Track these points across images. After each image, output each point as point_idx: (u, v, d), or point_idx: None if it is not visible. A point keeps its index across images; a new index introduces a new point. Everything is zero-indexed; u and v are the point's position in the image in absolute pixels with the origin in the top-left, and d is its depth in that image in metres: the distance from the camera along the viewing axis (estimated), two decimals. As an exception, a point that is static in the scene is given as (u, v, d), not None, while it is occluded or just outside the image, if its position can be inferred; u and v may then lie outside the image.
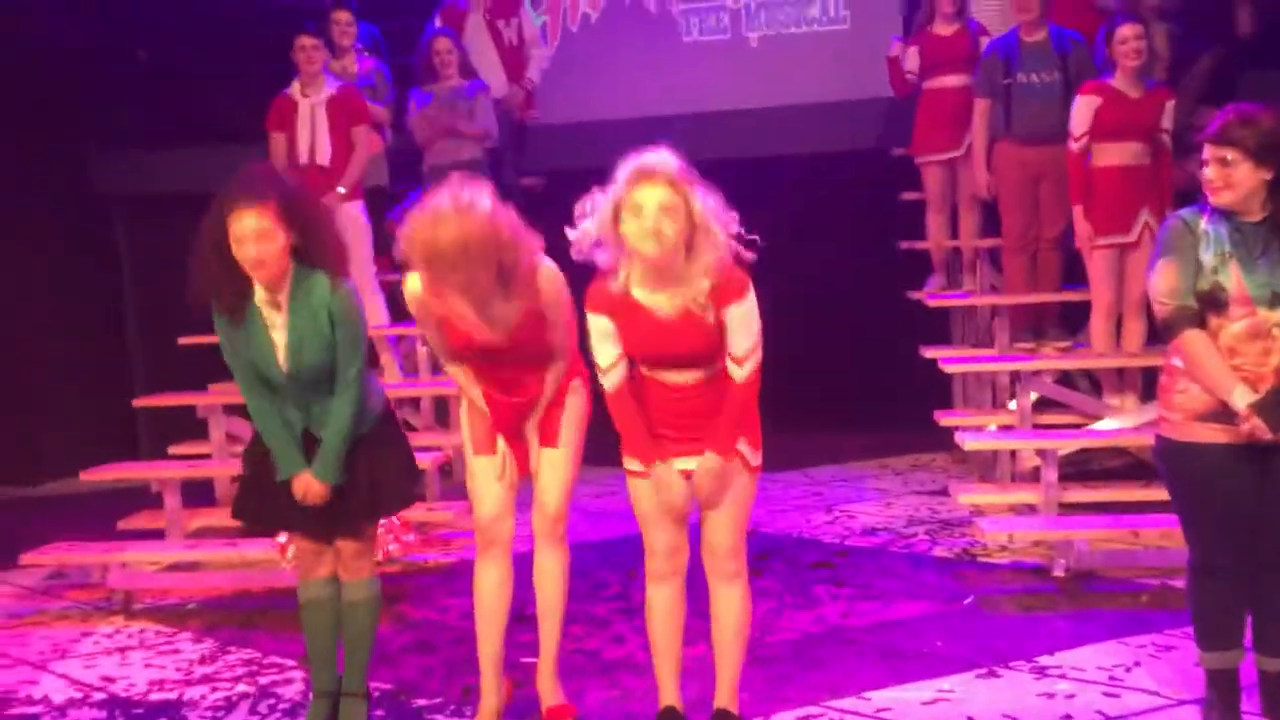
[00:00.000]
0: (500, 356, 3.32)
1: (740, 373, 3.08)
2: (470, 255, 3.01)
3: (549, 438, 3.46)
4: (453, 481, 5.97)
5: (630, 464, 3.21)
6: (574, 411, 3.47)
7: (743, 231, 3.05)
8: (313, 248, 3.28)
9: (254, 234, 3.16)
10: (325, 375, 3.33)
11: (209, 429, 5.99)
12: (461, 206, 3.01)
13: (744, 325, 3.05)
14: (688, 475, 3.17)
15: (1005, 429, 5.82)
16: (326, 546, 3.49)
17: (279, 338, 3.30)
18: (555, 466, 3.46)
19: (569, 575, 3.55)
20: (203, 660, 4.29)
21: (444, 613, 4.64)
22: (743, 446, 3.15)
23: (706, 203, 2.99)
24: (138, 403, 6.40)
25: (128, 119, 7.93)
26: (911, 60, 6.58)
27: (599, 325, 3.11)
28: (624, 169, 3.00)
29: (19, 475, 7.33)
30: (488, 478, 3.46)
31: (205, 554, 5.10)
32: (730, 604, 3.26)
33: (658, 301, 3.06)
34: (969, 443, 5.33)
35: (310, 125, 6.15)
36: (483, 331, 3.25)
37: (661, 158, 3.00)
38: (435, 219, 3.01)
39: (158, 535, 5.38)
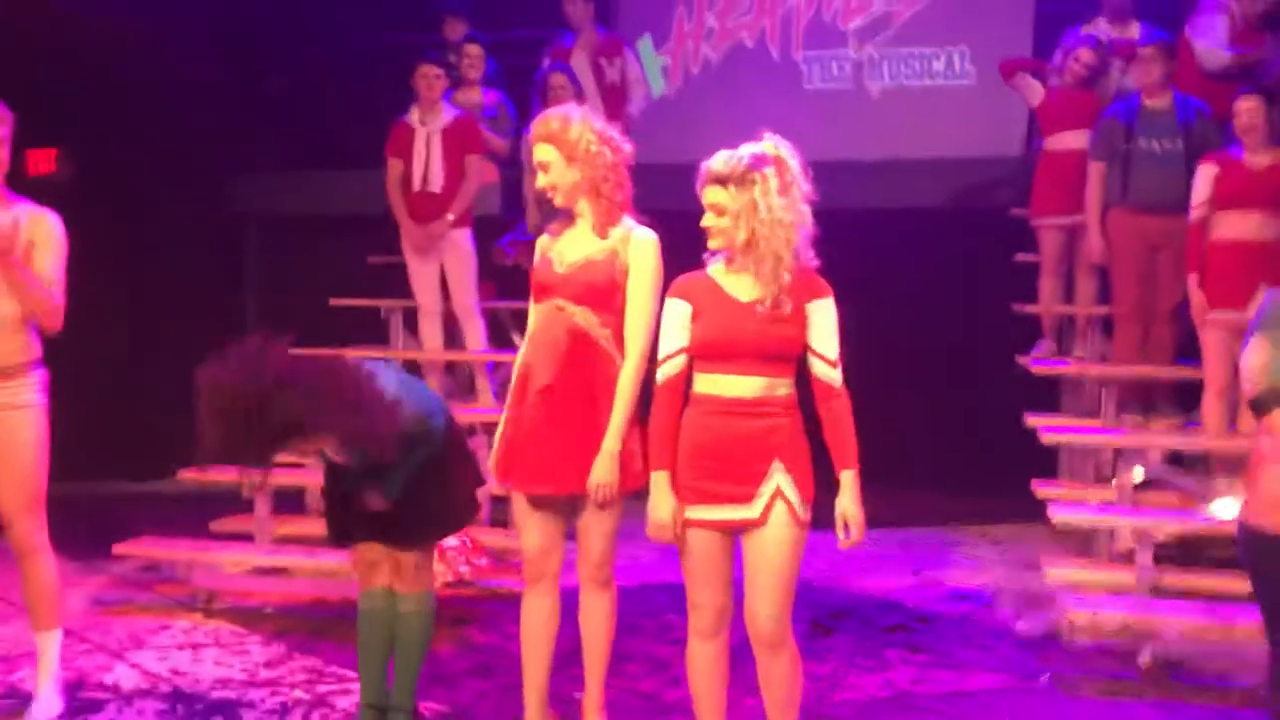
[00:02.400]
0: (555, 296, 3.36)
1: (836, 375, 3.05)
2: (556, 130, 3.33)
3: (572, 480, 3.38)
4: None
5: (683, 513, 3.11)
6: (604, 455, 3.35)
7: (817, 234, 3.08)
8: (360, 439, 3.22)
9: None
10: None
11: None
12: (585, 111, 3.45)
13: (829, 325, 3.06)
14: (727, 526, 3.08)
15: (1104, 505, 5.58)
16: (384, 557, 3.54)
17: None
18: (600, 509, 3.40)
19: (614, 616, 3.54)
20: (268, 664, 4.38)
21: (509, 640, 4.61)
22: (792, 496, 3.05)
23: (771, 202, 2.96)
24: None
25: (263, 144, 8.28)
26: (1034, 93, 6.43)
27: (674, 310, 3.11)
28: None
29: (133, 471, 7.63)
30: (531, 508, 3.44)
31: (287, 560, 5.22)
32: (776, 676, 3.14)
33: (738, 286, 3.06)
34: (1059, 517, 5.12)
35: (425, 152, 6.30)
36: (561, 260, 3.38)
37: (720, 156, 3.04)
38: (559, 111, 3.46)
39: (246, 538, 5.52)
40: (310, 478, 5.93)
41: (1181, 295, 5.64)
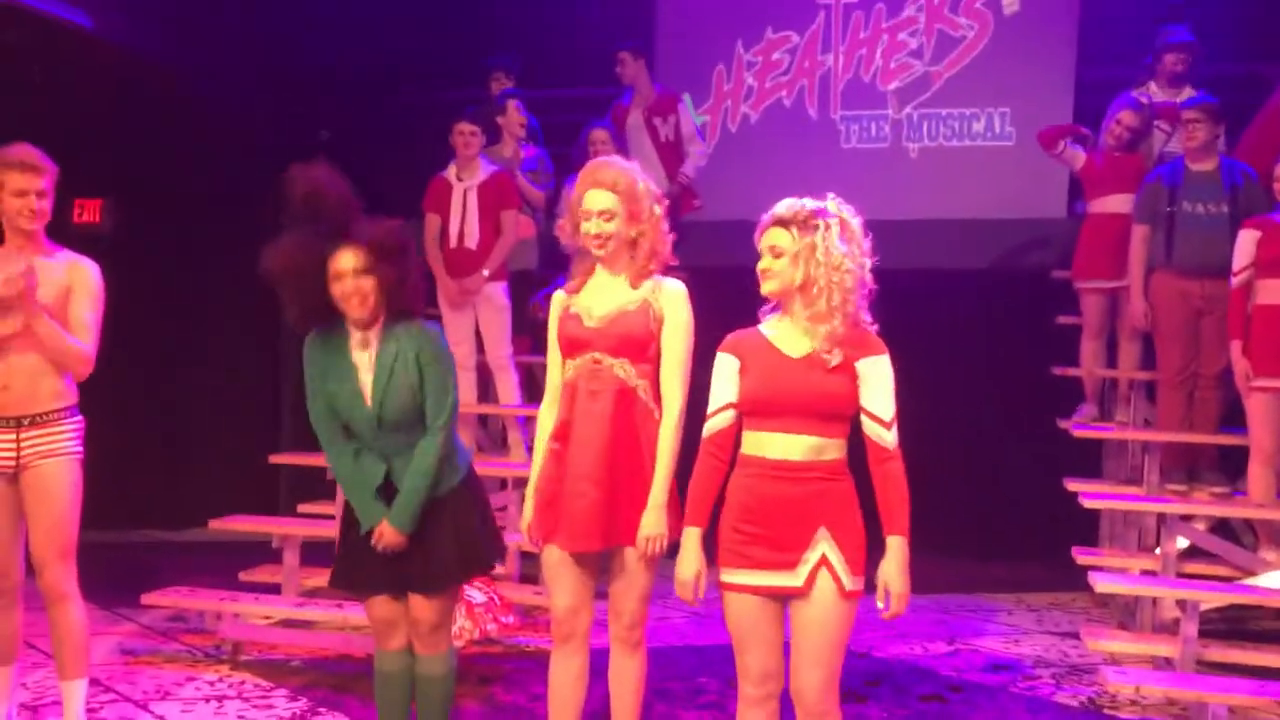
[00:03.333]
0: (591, 350, 3.35)
1: (890, 436, 2.96)
2: (623, 181, 3.35)
3: (630, 534, 3.34)
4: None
5: (723, 575, 3.06)
6: (650, 511, 3.34)
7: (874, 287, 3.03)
8: (402, 290, 3.37)
9: (352, 270, 3.31)
10: (410, 421, 3.36)
11: (337, 490, 6.12)
12: (635, 164, 3.49)
13: (883, 384, 2.98)
14: (770, 593, 3.01)
15: (1148, 574, 5.45)
16: (402, 617, 3.49)
17: (365, 377, 3.35)
18: (634, 569, 3.36)
19: (645, 678, 3.47)
20: (293, 718, 4.32)
21: (535, 700, 4.56)
22: (838, 565, 2.96)
23: (832, 247, 2.94)
24: (274, 459, 6.61)
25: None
26: (1076, 160, 6.39)
27: (724, 365, 3.07)
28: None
29: (166, 520, 7.66)
30: (563, 566, 3.39)
31: (314, 613, 5.18)
32: None
33: (789, 341, 3.01)
34: (1101, 584, 5.00)
35: (462, 208, 6.35)
36: (590, 314, 3.37)
37: (785, 202, 3.03)
38: (610, 159, 3.52)
39: (274, 589, 5.50)
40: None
41: (1226, 360, 5.54)
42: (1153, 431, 5.93)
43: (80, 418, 3.80)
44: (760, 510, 2.98)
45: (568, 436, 3.36)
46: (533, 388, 6.78)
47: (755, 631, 3.02)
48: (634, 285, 3.37)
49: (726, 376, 3.06)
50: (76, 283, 3.75)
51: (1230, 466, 5.85)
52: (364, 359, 3.38)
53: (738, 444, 3.07)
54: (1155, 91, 6.59)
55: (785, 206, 3.02)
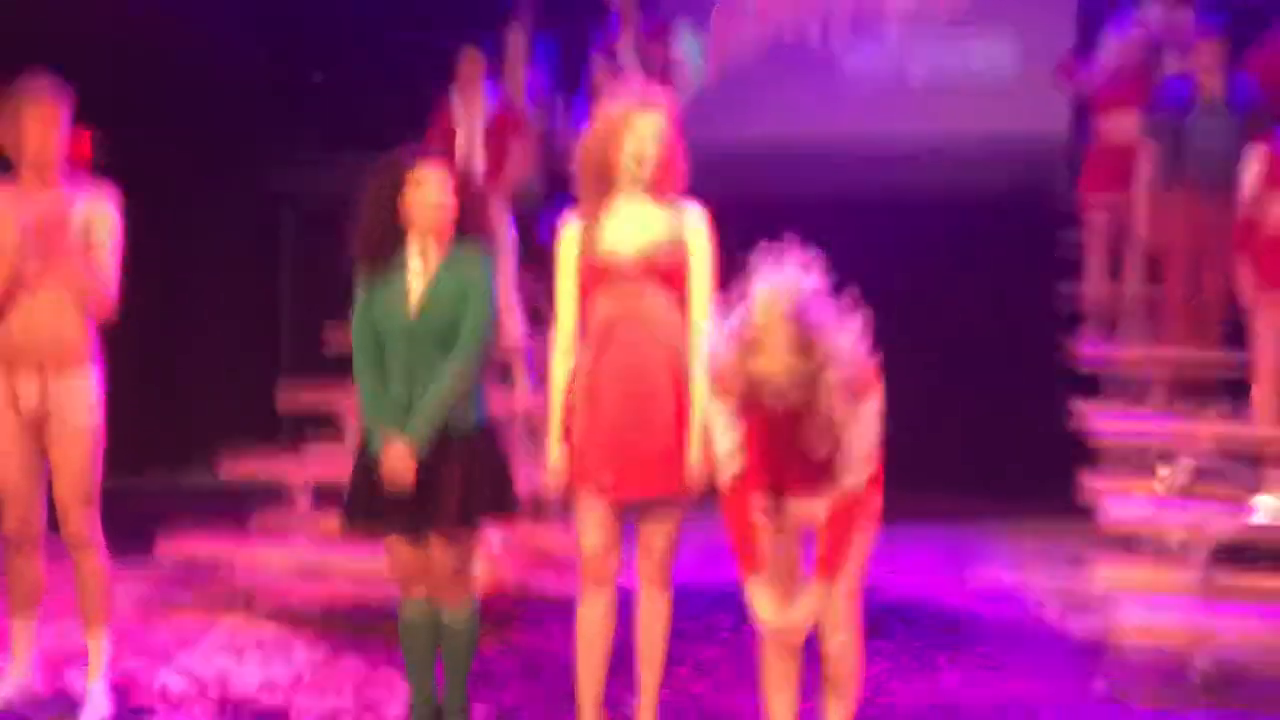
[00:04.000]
0: (629, 284, 3.29)
1: (853, 481, 2.98)
2: (665, 111, 3.33)
3: (667, 480, 3.33)
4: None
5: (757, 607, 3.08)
6: (692, 449, 3.32)
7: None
8: (474, 221, 3.46)
9: (438, 182, 3.37)
10: (446, 334, 3.35)
11: (345, 431, 6.11)
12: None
13: (862, 436, 2.95)
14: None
15: (1154, 499, 5.48)
16: (423, 566, 3.49)
17: (417, 284, 3.37)
18: (666, 509, 3.38)
19: (672, 619, 3.50)
20: (315, 667, 4.37)
21: (551, 640, 4.62)
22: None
23: (834, 400, 2.84)
24: (280, 401, 6.59)
25: (301, 132, 8.25)
26: (1085, 80, 6.33)
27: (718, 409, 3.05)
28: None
29: (168, 463, 7.65)
30: (595, 508, 3.38)
31: (330, 559, 5.20)
32: (842, 666, 3.17)
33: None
34: (1111, 514, 5.03)
35: (469, 136, 6.26)
36: (619, 242, 3.31)
37: (776, 305, 2.77)
38: (644, 99, 3.40)
39: (287, 534, 5.51)
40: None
41: (1230, 279, 5.52)
42: (1160, 349, 5.92)
43: (101, 361, 3.77)
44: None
45: (601, 376, 3.31)
46: (534, 322, 6.74)
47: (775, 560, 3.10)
48: (661, 211, 3.32)
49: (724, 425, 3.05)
50: (97, 221, 3.70)
51: (1234, 387, 5.86)
52: (417, 266, 3.40)
53: None
54: (1157, 11, 6.48)
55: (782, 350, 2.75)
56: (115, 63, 7.08)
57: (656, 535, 3.41)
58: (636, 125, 3.29)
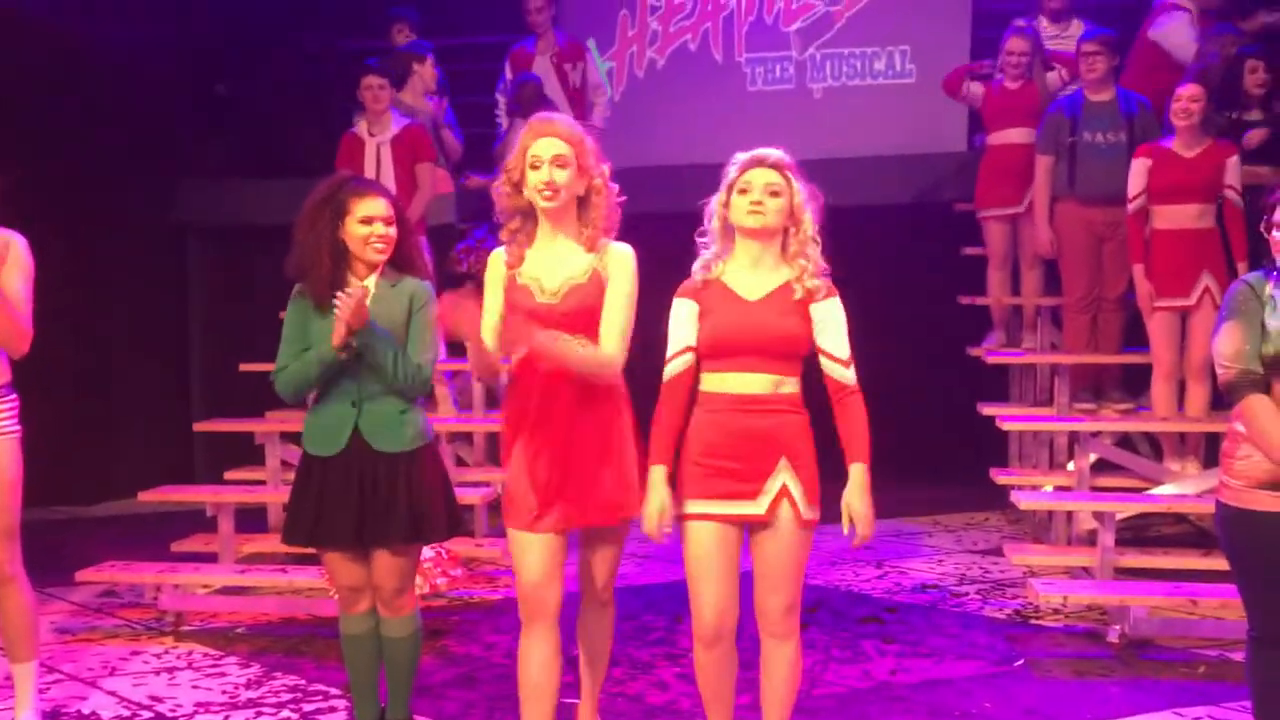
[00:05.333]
0: (550, 327, 3.12)
1: (848, 374, 3.11)
2: (575, 134, 3.19)
3: (607, 512, 3.25)
4: (501, 518, 5.98)
5: (689, 507, 3.13)
6: (629, 474, 3.24)
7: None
8: (409, 252, 3.49)
9: (384, 217, 3.39)
10: (387, 369, 3.36)
11: (265, 455, 6.06)
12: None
13: (838, 326, 3.12)
14: (732, 521, 3.11)
15: (1062, 490, 5.73)
16: (365, 581, 3.50)
17: None
18: (609, 543, 3.33)
19: (613, 628, 3.51)
20: (249, 684, 4.32)
21: (489, 649, 4.64)
22: (797, 495, 3.09)
23: (807, 198, 3.13)
24: (197, 427, 6.51)
25: (208, 152, 8.14)
26: (976, 98, 6.58)
27: (680, 310, 3.16)
28: (739, 156, 3.16)
29: (80, 494, 7.46)
30: (530, 547, 3.22)
31: (256, 579, 5.14)
32: (781, 663, 3.19)
33: (747, 285, 3.13)
34: (1024, 502, 5.25)
35: (376, 163, 6.27)
36: (540, 286, 3.18)
37: (773, 150, 3.14)
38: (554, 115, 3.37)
39: (210, 558, 5.44)
40: (273, 496, 5.89)
41: (1126, 284, 5.82)
42: (1061, 354, 6.20)
43: (15, 395, 3.70)
44: (723, 442, 3.09)
45: (527, 419, 3.20)
46: (453, 344, 6.75)
47: (713, 561, 3.11)
48: (586, 249, 3.19)
49: (685, 321, 3.15)
50: (8, 258, 3.63)
51: (1133, 384, 6.16)
52: (356, 290, 3.38)
53: (695, 386, 3.16)
54: (1044, 25, 6.80)
55: (775, 151, 3.13)
56: (14, 89, 6.94)
57: (601, 563, 3.35)
58: (538, 149, 3.14)
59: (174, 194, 8.05)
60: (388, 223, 3.40)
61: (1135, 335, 6.02)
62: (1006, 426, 5.85)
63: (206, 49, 7.83)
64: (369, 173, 6.26)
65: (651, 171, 7.36)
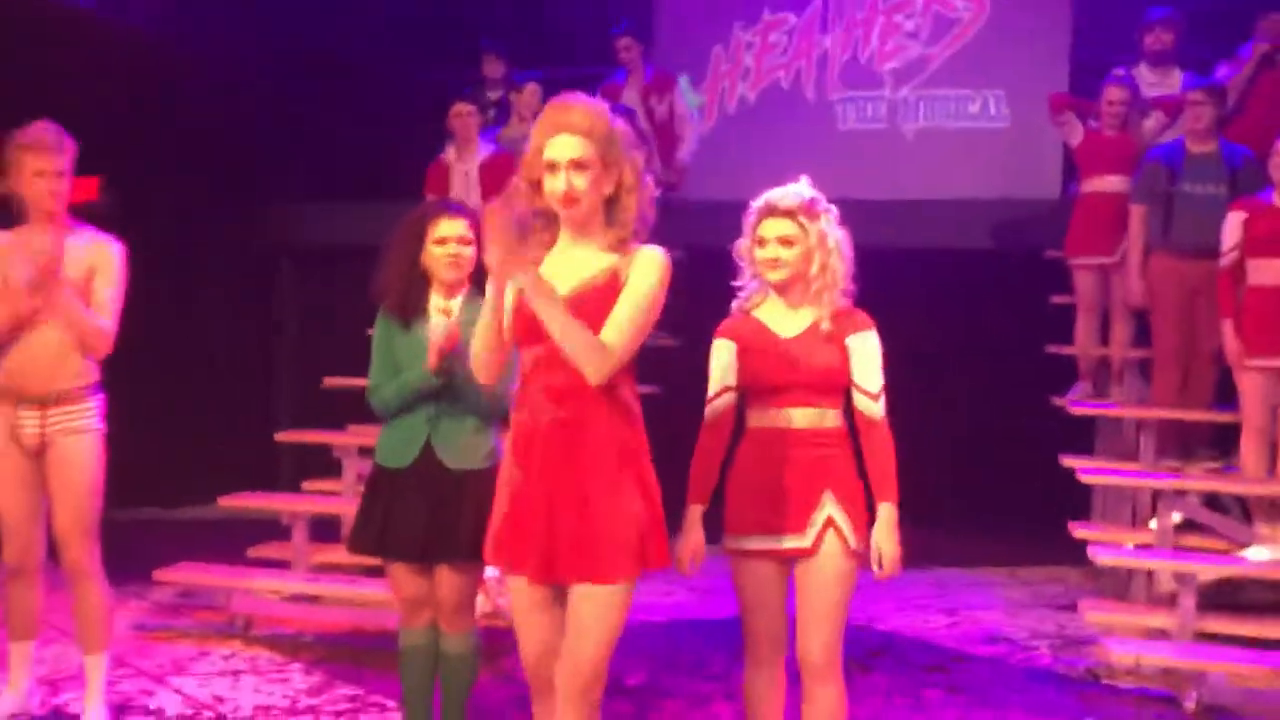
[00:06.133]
0: (552, 347, 2.67)
1: (876, 408, 3.10)
2: (598, 124, 2.69)
3: (597, 569, 2.67)
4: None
5: (730, 541, 3.15)
6: (631, 530, 2.69)
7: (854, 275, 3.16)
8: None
9: (459, 237, 3.46)
10: (469, 386, 3.34)
11: (343, 468, 6.17)
12: (601, 101, 2.81)
13: (871, 358, 3.12)
14: (780, 555, 3.11)
15: (1143, 548, 5.56)
16: (428, 595, 3.53)
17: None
18: (600, 608, 2.68)
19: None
20: (310, 692, 4.38)
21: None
22: (844, 526, 3.08)
23: (832, 233, 3.12)
24: (279, 438, 6.64)
25: (298, 176, 8.38)
26: (1074, 133, 6.45)
27: (720, 350, 3.19)
28: (754, 203, 3.17)
29: (164, 498, 7.67)
30: (526, 602, 2.81)
31: (325, 588, 5.23)
32: (823, 707, 3.14)
33: (783, 322, 3.16)
34: (1102, 558, 5.11)
35: (464, 189, 6.38)
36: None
37: (787, 191, 3.13)
38: (575, 97, 2.78)
39: (284, 566, 5.54)
40: (348, 507, 5.98)
41: (1219, 339, 5.64)
42: (1148, 409, 6.03)
43: (102, 395, 3.83)
44: (768, 476, 3.10)
45: (532, 447, 2.74)
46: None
47: (763, 594, 3.14)
48: (607, 250, 2.74)
49: (724, 360, 3.19)
50: (100, 263, 3.77)
51: (1223, 442, 5.96)
52: (440, 320, 3.46)
53: (738, 424, 3.19)
54: (1144, 72, 6.67)
55: (787, 196, 3.11)
56: (116, 106, 7.22)
57: (585, 639, 2.70)
58: (552, 151, 2.69)
59: (266, 216, 8.30)
60: (463, 242, 3.46)
61: (1229, 392, 5.84)
62: (1087, 480, 5.69)
63: (298, 74, 8.06)
64: (455, 194, 6.37)
65: (737, 206, 7.38)
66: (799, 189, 3.14)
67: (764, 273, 3.13)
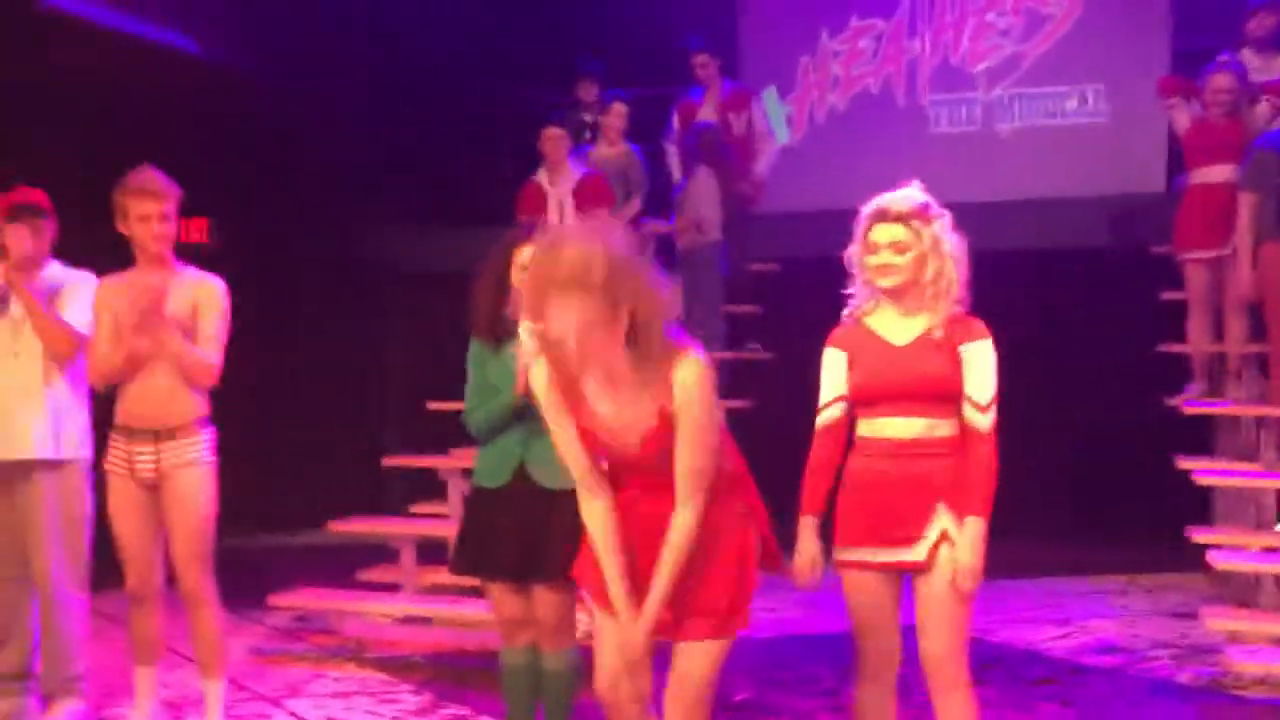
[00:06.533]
0: (630, 472, 2.80)
1: (983, 420, 3.00)
2: (588, 279, 2.49)
3: (693, 627, 2.79)
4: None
5: (841, 554, 3.11)
6: (731, 581, 2.80)
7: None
8: None
9: None
10: None
11: (448, 490, 6.27)
12: (589, 233, 2.62)
13: (984, 368, 3.02)
14: (894, 568, 3.06)
15: (1269, 551, 5.34)
16: (527, 614, 3.57)
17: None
18: (702, 659, 2.81)
19: None
20: (418, 712, 4.46)
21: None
22: (957, 537, 3.00)
23: (946, 238, 3.04)
24: (386, 461, 6.79)
25: (405, 199, 8.58)
26: (1181, 121, 6.24)
27: (831, 359, 3.15)
28: (865, 209, 3.10)
29: (279, 524, 7.91)
30: (609, 632, 2.88)
31: (433, 609, 5.32)
32: (955, 716, 3.07)
33: (894, 330, 3.09)
34: (1221, 563, 4.92)
35: (559, 212, 6.45)
36: (611, 430, 2.73)
37: (899, 196, 3.06)
38: (557, 241, 2.60)
39: (393, 588, 5.65)
40: (452, 529, 6.07)
41: (1341, 331, 5.41)
42: (1267, 406, 5.80)
43: (212, 428, 3.97)
44: (880, 488, 3.04)
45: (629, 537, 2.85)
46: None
47: (875, 610, 3.08)
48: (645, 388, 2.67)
49: (835, 370, 3.14)
50: (203, 300, 3.91)
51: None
52: (529, 344, 3.48)
53: (849, 434, 3.14)
54: (1249, 57, 6.44)
55: (899, 201, 3.04)
56: (220, 145, 7.49)
57: (685, 685, 2.82)
58: (555, 324, 2.55)
59: (373, 240, 8.51)
60: None
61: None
62: (1203, 481, 5.50)
63: (403, 104, 8.25)
64: (551, 220, 6.45)
65: (829, 215, 7.31)
66: (911, 193, 3.06)
67: (875, 279, 3.06)
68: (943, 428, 3.03)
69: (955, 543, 2.99)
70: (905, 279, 3.04)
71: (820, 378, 3.16)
